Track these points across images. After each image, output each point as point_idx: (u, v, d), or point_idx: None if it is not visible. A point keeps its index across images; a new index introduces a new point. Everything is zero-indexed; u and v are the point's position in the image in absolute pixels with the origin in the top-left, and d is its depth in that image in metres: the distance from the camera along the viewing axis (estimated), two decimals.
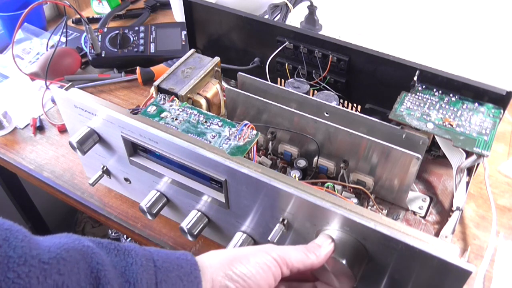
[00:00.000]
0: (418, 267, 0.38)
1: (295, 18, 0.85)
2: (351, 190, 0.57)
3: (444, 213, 0.57)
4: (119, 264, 0.33)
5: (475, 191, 0.60)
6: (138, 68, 0.78)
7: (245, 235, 0.50)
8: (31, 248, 0.29)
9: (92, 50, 0.80)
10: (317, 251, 0.39)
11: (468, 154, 0.54)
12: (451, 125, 0.54)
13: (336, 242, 0.40)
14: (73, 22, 0.98)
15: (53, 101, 0.76)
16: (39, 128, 0.73)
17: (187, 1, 0.69)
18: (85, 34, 0.81)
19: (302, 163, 0.58)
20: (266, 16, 0.78)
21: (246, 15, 0.66)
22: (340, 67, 0.62)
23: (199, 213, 0.52)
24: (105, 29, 0.84)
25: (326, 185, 0.55)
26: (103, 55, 0.80)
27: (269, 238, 0.44)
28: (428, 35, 0.80)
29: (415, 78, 0.57)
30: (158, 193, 0.54)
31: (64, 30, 0.83)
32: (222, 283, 0.36)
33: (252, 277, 0.36)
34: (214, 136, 0.50)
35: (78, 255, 0.31)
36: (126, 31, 0.84)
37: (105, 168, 0.58)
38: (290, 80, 0.66)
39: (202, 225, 0.52)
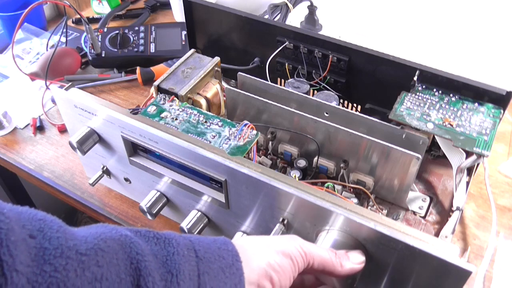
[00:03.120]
0: (418, 267, 0.38)
1: (295, 18, 0.85)
2: (351, 190, 0.57)
3: (444, 213, 0.57)
4: (160, 253, 0.31)
5: (475, 191, 0.60)
6: (138, 68, 0.78)
7: (245, 235, 0.50)
8: (67, 238, 0.27)
9: (92, 50, 0.80)
10: (344, 262, 0.38)
11: (468, 154, 0.54)
12: (451, 125, 0.54)
13: (336, 242, 0.40)
14: (73, 22, 0.98)
15: (53, 101, 0.76)
16: (39, 128, 0.73)
17: (187, 1, 0.69)
18: (85, 34, 0.81)
19: (302, 163, 0.58)
20: (266, 16, 0.78)
21: (246, 15, 0.66)
22: (340, 67, 0.62)
23: (199, 213, 0.52)
24: (105, 29, 0.84)
25: (326, 185, 0.55)
26: (103, 55, 0.80)
27: None
28: (428, 35, 0.80)
29: (415, 78, 0.57)
30: (158, 193, 0.54)
31: (64, 30, 0.83)
32: (265, 272, 0.34)
33: (287, 268, 0.35)
34: (214, 136, 0.50)
35: (117, 245, 0.29)
36: (126, 31, 0.84)
37: (105, 168, 0.58)
38: (290, 80, 0.66)
39: (202, 225, 0.52)
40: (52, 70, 0.75)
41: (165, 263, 0.31)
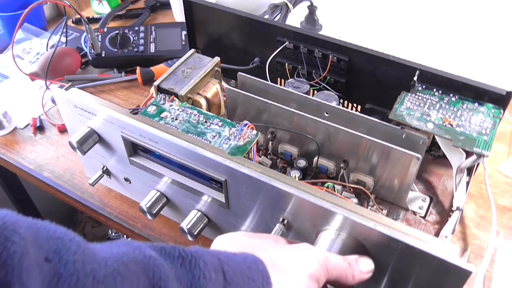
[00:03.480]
0: (418, 267, 0.38)
1: (295, 18, 0.85)
2: (351, 190, 0.57)
3: (444, 213, 0.57)
4: (185, 277, 0.29)
5: (475, 191, 0.60)
6: (138, 68, 0.78)
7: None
8: (85, 262, 0.25)
9: (92, 50, 0.80)
10: (356, 273, 0.37)
11: (468, 154, 0.54)
12: (451, 125, 0.54)
13: (336, 243, 0.40)
14: (73, 22, 0.98)
15: (53, 101, 0.76)
16: (39, 128, 0.73)
17: (187, 1, 0.69)
18: (85, 34, 0.81)
19: (302, 163, 0.58)
20: (266, 16, 0.78)
21: (246, 15, 0.66)
22: (340, 67, 0.62)
23: (199, 213, 0.52)
24: (105, 29, 0.84)
25: (326, 185, 0.55)
26: (103, 55, 0.80)
27: None
28: (428, 35, 0.80)
29: (415, 78, 0.57)
30: (158, 193, 0.54)
31: (64, 30, 0.83)
32: None
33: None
34: (214, 136, 0.50)
35: (139, 268, 0.28)
36: (126, 31, 0.84)
37: (105, 168, 0.58)
38: (290, 80, 0.66)
39: (202, 225, 0.52)
40: (52, 70, 0.75)
41: (189, 285, 0.29)
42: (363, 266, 0.38)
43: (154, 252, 0.29)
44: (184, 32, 0.85)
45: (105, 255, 0.27)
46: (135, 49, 0.82)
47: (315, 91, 0.65)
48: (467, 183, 0.54)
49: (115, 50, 0.81)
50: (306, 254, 0.35)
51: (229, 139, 0.50)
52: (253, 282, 0.31)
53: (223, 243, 0.37)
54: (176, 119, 0.53)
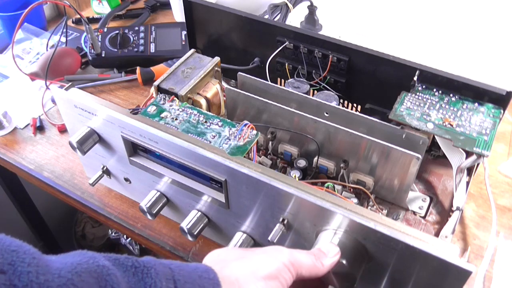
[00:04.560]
0: (418, 267, 0.38)
1: (295, 18, 0.85)
2: (351, 190, 0.57)
3: (444, 213, 0.57)
4: (137, 285, 0.31)
5: (475, 191, 0.60)
6: (138, 68, 0.78)
7: (245, 235, 0.50)
8: (39, 273, 0.26)
9: (92, 50, 0.80)
10: (324, 260, 0.38)
11: (468, 154, 0.54)
12: (451, 125, 0.54)
13: (336, 242, 0.40)
14: (73, 22, 0.98)
15: (53, 101, 0.76)
16: (39, 128, 0.73)
17: (187, 1, 0.69)
18: (85, 34, 0.81)
19: (302, 163, 0.58)
20: (266, 16, 0.78)
21: (246, 15, 0.66)
22: (340, 67, 0.62)
23: (199, 213, 0.52)
24: (105, 29, 0.84)
25: (326, 185, 0.55)
26: (103, 55, 0.80)
27: (269, 238, 0.44)
28: (428, 35, 0.80)
29: (415, 78, 0.57)
30: (158, 193, 0.54)
31: (64, 30, 0.83)
32: None
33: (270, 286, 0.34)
34: (214, 136, 0.50)
35: (92, 278, 0.29)
36: (126, 31, 0.84)
37: (105, 168, 0.58)
38: (290, 80, 0.66)
39: (202, 225, 0.52)
40: (52, 70, 0.75)
41: None
42: (328, 252, 0.39)
43: (107, 262, 0.30)
44: (184, 32, 0.85)
45: (59, 266, 0.28)
46: (135, 49, 0.82)
47: (315, 91, 0.65)
48: (467, 183, 0.54)
49: (115, 50, 0.81)
50: (265, 257, 0.36)
51: (229, 139, 0.50)
52: None
53: (214, 255, 0.38)
54: (176, 119, 0.53)
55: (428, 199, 0.58)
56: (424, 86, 0.58)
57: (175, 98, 0.56)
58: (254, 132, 0.51)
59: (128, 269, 0.31)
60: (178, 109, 0.54)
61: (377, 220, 0.38)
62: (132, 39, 0.83)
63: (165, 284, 0.31)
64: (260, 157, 0.60)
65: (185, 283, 0.32)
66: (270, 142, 0.60)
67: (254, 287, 0.34)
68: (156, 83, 0.58)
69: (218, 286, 0.33)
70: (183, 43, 0.84)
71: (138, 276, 0.31)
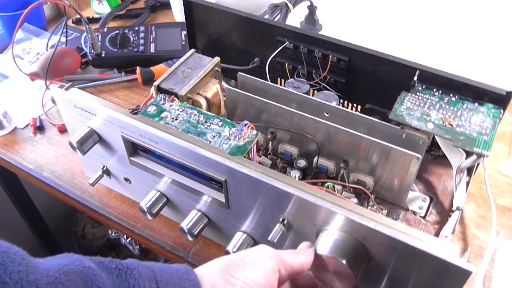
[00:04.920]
0: (418, 267, 0.38)
1: (295, 18, 0.85)
2: (351, 190, 0.57)
3: (444, 213, 0.57)
4: (121, 286, 0.32)
5: (475, 191, 0.60)
6: (138, 68, 0.78)
7: (245, 235, 0.50)
8: (28, 272, 0.28)
9: (92, 50, 0.80)
10: (304, 252, 0.40)
11: (468, 154, 0.54)
12: (451, 125, 0.54)
13: (336, 242, 0.40)
14: (73, 22, 0.98)
15: (53, 101, 0.76)
16: (39, 128, 0.73)
17: (187, 1, 0.69)
18: (85, 34, 0.81)
19: (302, 163, 0.58)
20: (266, 16, 0.78)
21: (246, 15, 0.66)
22: (340, 67, 0.62)
23: (199, 213, 0.52)
24: (105, 29, 0.84)
25: (326, 185, 0.55)
26: (103, 55, 0.80)
27: (269, 238, 0.44)
28: (428, 35, 0.80)
29: (415, 78, 0.57)
30: (158, 193, 0.54)
31: (64, 30, 0.83)
32: None
33: (251, 277, 0.36)
34: (214, 136, 0.50)
35: (78, 278, 0.30)
36: (126, 31, 0.84)
37: (105, 168, 0.58)
38: (290, 80, 0.66)
39: (202, 225, 0.52)
40: (52, 70, 0.75)
41: None
42: (301, 245, 0.41)
43: (93, 264, 0.32)
44: (184, 32, 0.85)
45: (47, 267, 0.30)
46: (135, 49, 0.82)
47: (315, 91, 0.65)
48: (467, 183, 0.54)
49: (115, 50, 0.81)
50: (246, 257, 0.38)
51: (229, 139, 0.50)
52: None
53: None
54: (176, 119, 0.53)
55: (428, 199, 0.58)
56: (424, 86, 0.58)
57: (175, 98, 0.56)
58: (254, 132, 0.51)
59: (112, 271, 0.33)
60: (178, 109, 0.54)
61: (377, 220, 0.38)
62: (132, 39, 0.83)
63: (148, 284, 0.33)
64: (260, 157, 0.60)
65: (167, 284, 0.34)
66: (270, 142, 0.60)
67: (222, 280, 0.35)
68: (156, 83, 0.58)
69: (198, 287, 0.35)
70: (183, 43, 0.84)
71: (122, 278, 0.33)
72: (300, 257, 0.39)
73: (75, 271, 0.30)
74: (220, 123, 0.52)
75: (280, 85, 0.67)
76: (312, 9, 0.83)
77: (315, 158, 0.57)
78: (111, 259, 0.34)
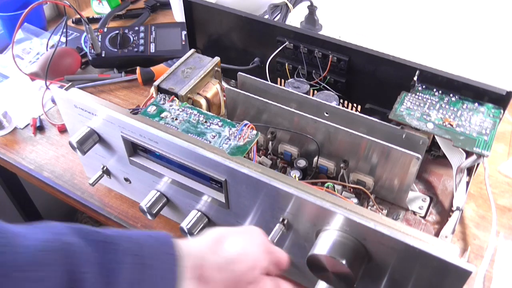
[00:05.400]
0: (418, 267, 0.38)
1: (295, 18, 0.85)
2: (351, 190, 0.57)
3: (444, 213, 0.57)
4: (104, 258, 0.32)
5: (475, 191, 0.60)
6: (138, 68, 0.78)
7: None
8: (6, 253, 0.29)
9: (92, 50, 0.80)
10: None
11: (468, 154, 0.54)
12: (451, 125, 0.54)
13: (336, 242, 0.40)
14: (73, 22, 0.98)
15: (53, 101, 0.76)
16: (39, 128, 0.73)
17: (187, 1, 0.69)
18: (85, 34, 0.81)
19: (302, 163, 0.58)
20: (266, 16, 0.78)
21: (246, 15, 0.66)
22: (340, 67, 0.62)
23: (199, 213, 0.52)
24: (105, 29, 0.84)
25: (326, 185, 0.55)
26: (103, 55, 0.80)
27: (269, 238, 0.44)
28: (428, 35, 0.80)
29: (415, 78, 0.57)
30: (158, 193, 0.54)
31: (64, 30, 0.83)
32: (214, 264, 0.36)
33: (242, 243, 0.37)
34: (214, 136, 0.50)
35: (57, 255, 0.30)
36: (126, 31, 0.84)
37: (105, 168, 0.58)
38: (290, 80, 0.66)
39: (202, 225, 0.52)
40: (52, 70, 0.75)
41: (106, 272, 0.32)
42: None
43: (77, 238, 0.32)
44: (184, 32, 0.85)
45: (27, 243, 0.30)
46: (135, 49, 0.82)
47: (315, 91, 0.65)
48: (467, 183, 0.54)
49: (115, 50, 0.81)
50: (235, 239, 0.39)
51: (229, 139, 0.50)
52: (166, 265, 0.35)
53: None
54: (176, 119, 0.53)
55: (428, 199, 0.58)
56: (424, 86, 0.58)
57: (175, 98, 0.56)
58: (254, 132, 0.51)
59: (98, 244, 0.33)
60: (178, 109, 0.54)
61: (377, 220, 0.38)
62: (132, 39, 0.83)
63: (131, 260, 0.33)
64: (260, 157, 0.60)
65: (149, 253, 0.34)
66: (270, 142, 0.60)
67: (217, 266, 0.36)
68: (156, 83, 0.58)
69: (177, 248, 0.35)
70: (183, 43, 0.84)
71: (106, 252, 0.33)
72: (279, 249, 0.41)
73: (54, 250, 0.30)
74: (220, 123, 0.52)
75: (280, 85, 0.67)
76: (312, 9, 0.83)
77: (315, 158, 0.57)
78: (99, 232, 0.34)
